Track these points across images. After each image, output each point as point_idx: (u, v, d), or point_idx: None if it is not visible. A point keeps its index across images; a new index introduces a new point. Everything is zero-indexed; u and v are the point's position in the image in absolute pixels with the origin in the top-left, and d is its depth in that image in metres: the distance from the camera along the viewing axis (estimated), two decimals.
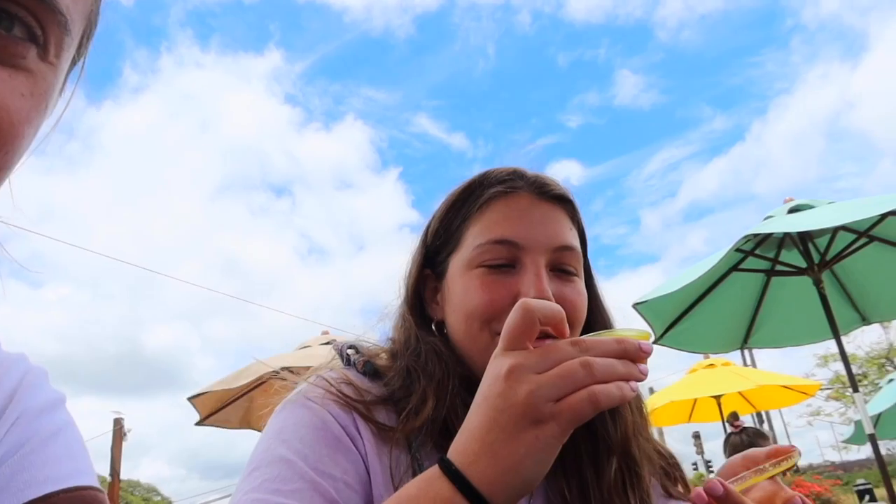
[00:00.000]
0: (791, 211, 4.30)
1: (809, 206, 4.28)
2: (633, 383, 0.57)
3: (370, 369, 0.86)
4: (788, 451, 0.73)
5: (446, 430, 0.77)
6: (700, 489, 0.65)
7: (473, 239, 0.86)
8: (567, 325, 0.61)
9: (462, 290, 0.85)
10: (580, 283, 0.87)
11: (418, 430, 0.77)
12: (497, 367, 0.59)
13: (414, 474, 0.74)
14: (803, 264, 4.47)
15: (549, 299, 0.78)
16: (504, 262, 0.83)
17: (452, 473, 0.57)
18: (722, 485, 0.64)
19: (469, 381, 0.81)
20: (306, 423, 0.75)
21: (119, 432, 9.09)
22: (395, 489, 0.70)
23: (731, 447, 4.29)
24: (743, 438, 4.27)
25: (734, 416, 4.66)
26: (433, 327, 0.92)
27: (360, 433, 0.76)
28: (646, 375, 0.57)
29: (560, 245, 0.85)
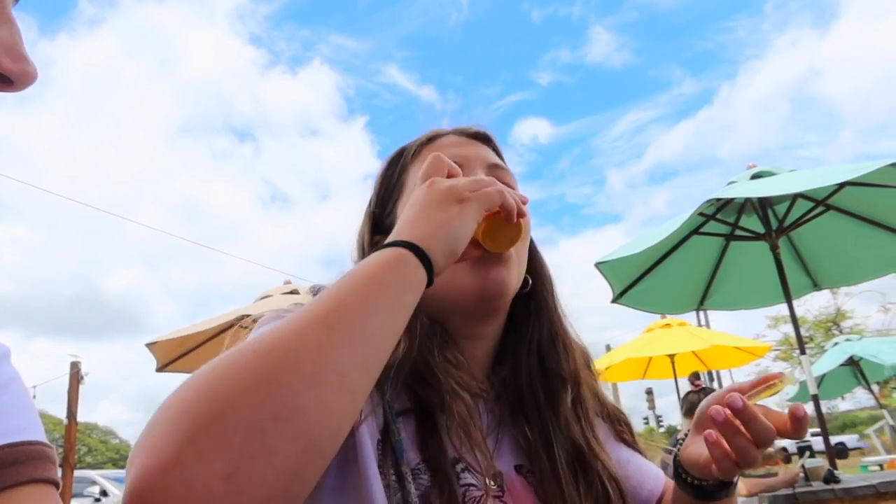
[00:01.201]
0: (754, 177, 4.38)
1: (771, 173, 4.36)
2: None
3: None
4: (775, 376, 0.77)
5: (417, 372, 0.78)
6: (717, 406, 0.71)
7: (414, 174, 0.91)
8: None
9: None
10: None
11: (387, 369, 0.74)
12: (421, 186, 0.73)
13: (384, 411, 0.75)
14: (762, 230, 4.58)
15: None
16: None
17: (396, 244, 0.65)
18: (741, 399, 0.70)
19: (437, 323, 0.84)
20: None
21: (76, 375, 8.98)
22: (360, 425, 0.71)
23: (688, 405, 4.43)
24: (701, 397, 4.40)
25: (695, 376, 4.81)
26: None
27: None
28: (526, 215, 0.76)
29: (494, 163, 0.93)
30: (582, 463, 0.86)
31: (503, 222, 0.75)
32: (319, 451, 0.50)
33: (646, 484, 0.93)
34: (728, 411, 0.70)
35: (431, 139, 0.96)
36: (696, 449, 0.78)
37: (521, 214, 0.74)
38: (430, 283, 0.65)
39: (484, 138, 0.98)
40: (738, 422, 0.70)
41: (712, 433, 0.71)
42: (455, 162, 0.83)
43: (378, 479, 0.68)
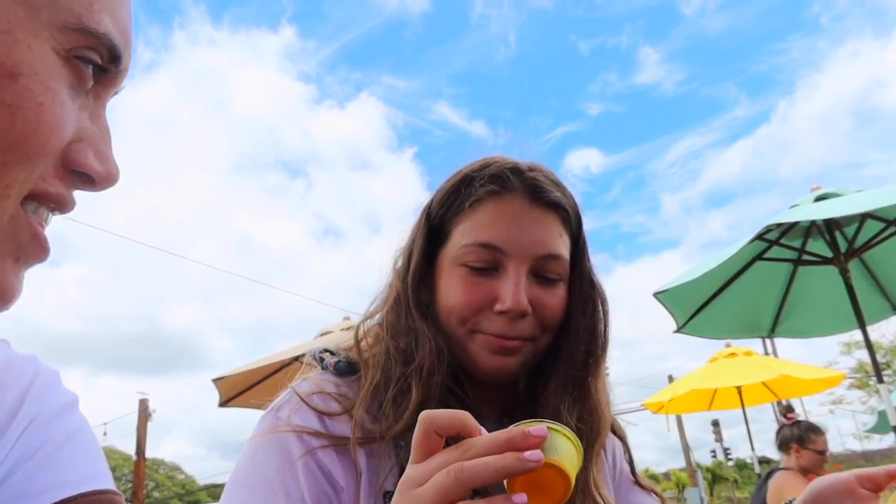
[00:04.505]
0: (818, 199, 4.23)
1: (837, 195, 4.20)
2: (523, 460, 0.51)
3: (343, 367, 0.89)
4: None
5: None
6: None
7: (461, 237, 0.88)
8: (476, 428, 0.55)
9: (445, 285, 0.88)
10: (560, 289, 0.89)
11: (406, 426, 0.79)
12: (402, 479, 0.57)
13: (400, 471, 0.78)
14: (829, 254, 4.40)
15: (524, 309, 0.83)
16: (486, 266, 0.86)
17: None
18: None
19: (452, 356, 0.86)
20: (269, 449, 0.79)
21: (144, 412, 9.27)
22: (380, 488, 0.77)
23: (782, 439, 4.27)
24: (794, 431, 4.23)
25: (788, 408, 4.65)
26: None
27: (334, 443, 0.79)
28: (533, 463, 0.50)
29: (545, 254, 0.86)
30: None
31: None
32: None
33: None
34: None
35: (495, 193, 0.88)
36: None
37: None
38: None
39: (555, 207, 0.89)
40: None
41: None
42: (499, 247, 0.85)
43: None
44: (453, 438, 0.55)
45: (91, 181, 0.48)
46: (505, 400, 0.95)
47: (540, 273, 0.87)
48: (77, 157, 0.46)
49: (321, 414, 0.81)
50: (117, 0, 0.47)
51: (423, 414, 0.55)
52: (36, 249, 0.47)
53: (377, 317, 0.95)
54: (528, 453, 0.50)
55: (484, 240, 0.85)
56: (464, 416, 0.55)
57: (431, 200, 0.94)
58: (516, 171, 0.89)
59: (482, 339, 0.85)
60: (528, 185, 0.88)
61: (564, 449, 0.55)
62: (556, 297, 0.88)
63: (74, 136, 0.46)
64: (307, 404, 0.82)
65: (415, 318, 0.88)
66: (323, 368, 0.91)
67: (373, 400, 0.83)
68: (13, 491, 0.49)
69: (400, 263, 0.95)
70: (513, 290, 0.83)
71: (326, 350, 0.93)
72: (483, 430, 0.55)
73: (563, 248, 0.89)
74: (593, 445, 0.89)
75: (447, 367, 0.84)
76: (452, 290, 0.87)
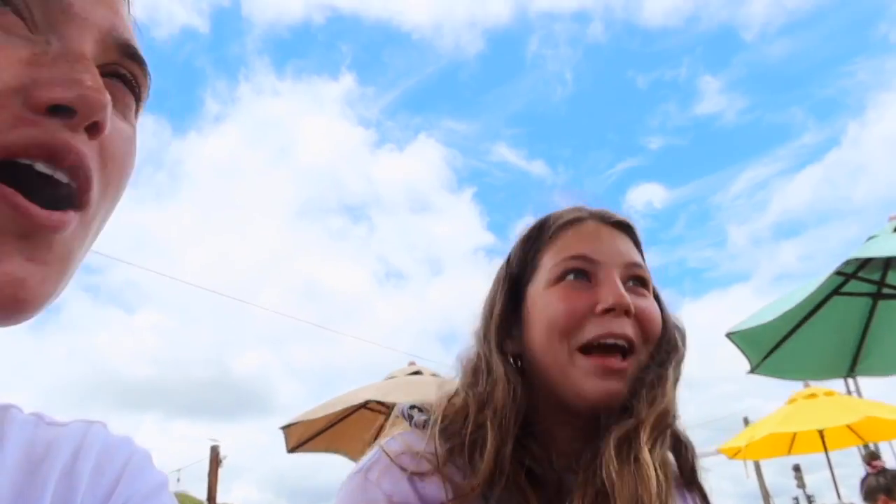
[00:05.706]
0: None
1: None
2: None
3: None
4: None
5: (513, 467, 0.79)
6: None
7: (549, 261, 0.89)
8: None
9: (543, 305, 0.87)
10: (653, 300, 0.89)
11: (489, 472, 0.78)
12: None
13: None
14: None
15: (627, 304, 0.82)
16: (581, 272, 0.87)
17: None
18: None
19: (531, 413, 0.85)
20: None
21: (215, 459, 9.46)
22: None
23: (868, 489, 4.00)
24: (880, 481, 3.95)
25: (872, 455, 4.37)
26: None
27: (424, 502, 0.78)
28: None
29: (632, 261, 0.88)
30: None
31: None
32: None
33: None
34: None
35: (571, 222, 0.93)
36: None
37: None
38: None
39: (625, 228, 0.94)
40: None
41: None
42: (590, 258, 0.87)
43: None
44: None
45: (70, 112, 0.41)
46: (574, 449, 0.89)
47: (631, 280, 0.88)
48: (41, 94, 0.40)
49: (411, 475, 0.79)
50: None
51: None
52: (18, 220, 0.39)
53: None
54: None
55: (573, 253, 0.88)
56: None
57: (510, 252, 0.98)
58: (582, 206, 0.96)
59: (585, 364, 0.82)
60: (596, 213, 0.94)
61: None
62: (652, 306, 0.88)
63: (31, 80, 0.40)
64: (396, 465, 0.80)
65: (494, 360, 0.88)
66: (412, 426, 0.89)
67: (446, 443, 0.82)
68: None
69: (481, 316, 0.96)
70: (613, 289, 0.83)
71: (414, 406, 0.92)
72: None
73: (643, 262, 0.92)
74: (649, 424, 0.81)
75: (519, 408, 0.83)
76: (552, 304, 0.86)
